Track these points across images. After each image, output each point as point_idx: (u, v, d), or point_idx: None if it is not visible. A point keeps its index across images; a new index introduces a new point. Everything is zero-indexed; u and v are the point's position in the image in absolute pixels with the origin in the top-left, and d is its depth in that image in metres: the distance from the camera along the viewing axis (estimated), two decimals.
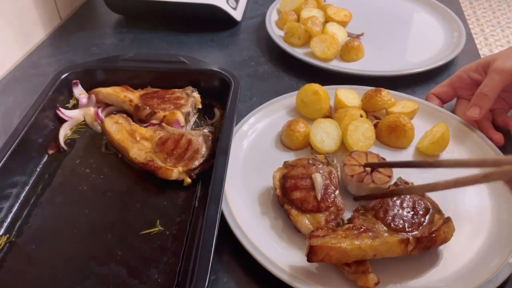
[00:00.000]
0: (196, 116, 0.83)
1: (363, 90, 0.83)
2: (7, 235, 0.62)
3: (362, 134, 0.74)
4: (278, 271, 0.56)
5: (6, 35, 0.96)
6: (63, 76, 0.81)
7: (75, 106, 0.83)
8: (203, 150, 0.71)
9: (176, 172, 0.67)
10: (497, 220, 0.63)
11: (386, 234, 0.55)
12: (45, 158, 0.74)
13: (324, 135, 0.74)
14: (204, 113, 0.83)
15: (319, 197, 0.61)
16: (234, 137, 0.73)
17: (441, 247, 0.59)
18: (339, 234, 0.55)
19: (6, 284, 0.56)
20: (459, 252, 0.60)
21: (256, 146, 0.77)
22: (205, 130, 0.75)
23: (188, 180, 0.68)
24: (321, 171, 0.65)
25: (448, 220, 0.58)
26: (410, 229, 0.57)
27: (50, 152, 0.75)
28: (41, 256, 0.59)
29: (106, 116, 0.81)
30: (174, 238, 0.61)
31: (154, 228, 0.63)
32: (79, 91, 0.83)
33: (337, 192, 0.63)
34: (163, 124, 0.76)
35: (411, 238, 0.55)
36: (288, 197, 0.63)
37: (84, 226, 0.63)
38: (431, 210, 0.60)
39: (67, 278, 0.57)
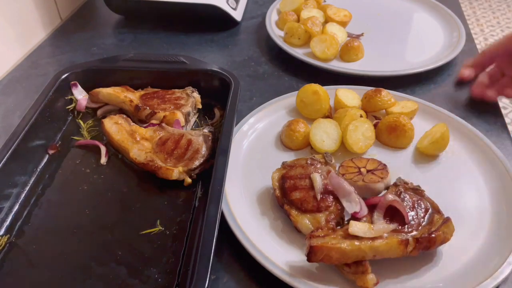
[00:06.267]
0: (196, 116, 0.83)
1: (363, 90, 0.83)
2: (7, 235, 0.62)
3: (362, 134, 0.74)
4: (278, 271, 0.56)
5: (6, 35, 0.96)
6: (63, 76, 0.81)
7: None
8: (203, 150, 0.71)
9: (176, 172, 0.67)
10: (497, 220, 0.63)
11: (385, 235, 0.55)
12: (45, 158, 0.74)
13: (324, 135, 0.74)
14: (204, 113, 0.83)
15: (318, 197, 0.62)
16: (234, 137, 0.73)
17: (441, 247, 0.59)
18: (339, 234, 0.55)
19: (6, 284, 0.56)
20: (459, 252, 0.60)
21: (256, 146, 0.77)
22: (205, 130, 0.75)
23: (188, 180, 0.68)
24: (319, 171, 0.65)
25: (447, 220, 0.58)
26: (409, 230, 0.57)
27: (50, 152, 0.75)
28: (41, 256, 0.60)
29: (104, 116, 0.81)
30: (174, 238, 0.61)
31: (154, 228, 0.63)
32: (78, 92, 0.83)
33: None
34: (163, 124, 0.76)
35: (410, 238, 0.55)
36: (288, 198, 0.63)
37: (84, 226, 0.63)
38: (430, 210, 0.60)
39: (67, 278, 0.57)
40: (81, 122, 0.81)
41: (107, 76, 0.85)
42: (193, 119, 0.82)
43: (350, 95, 0.82)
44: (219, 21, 1.12)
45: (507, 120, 2.43)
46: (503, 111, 2.65)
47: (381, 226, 0.56)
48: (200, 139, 0.72)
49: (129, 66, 0.85)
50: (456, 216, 0.60)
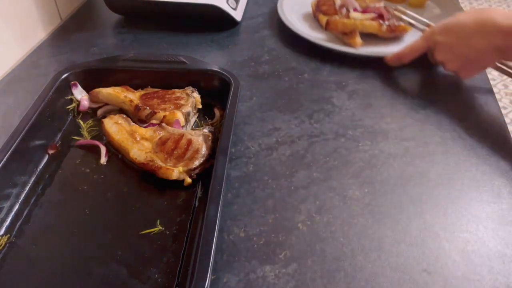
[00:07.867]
0: (196, 116, 0.83)
1: None
2: (8, 235, 0.62)
3: None
4: (311, 37, 0.97)
5: (6, 35, 0.96)
6: (63, 76, 0.81)
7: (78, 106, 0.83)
8: (203, 150, 0.71)
9: (176, 172, 0.67)
10: None
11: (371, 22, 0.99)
12: (45, 158, 0.74)
13: None
14: (204, 113, 0.83)
15: (337, 6, 1.04)
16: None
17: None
18: (344, 15, 1.02)
19: (6, 284, 0.56)
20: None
21: None
22: (205, 130, 0.75)
23: (189, 180, 0.68)
24: None
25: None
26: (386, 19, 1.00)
27: (50, 152, 0.75)
28: (41, 256, 0.60)
29: (104, 116, 0.81)
30: (174, 238, 0.61)
31: (154, 228, 0.63)
32: (78, 92, 0.83)
33: None
34: (163, 124, 0.76)
35: (384, 24, 0.98)
36: (319, 9, 1.05)
37: (84, 226, 0.63)
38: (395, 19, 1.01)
39: (67, 278, 0.57)
40: (81, 122, 0.81)
41: (107, 76, 0.85)
42: (193, 119, 0.82)
43: None
44: (219, 21, 1.12)
45: (507, 120, 2.42)
46: (503, 111, 2.65)
47: (369, 15, 1.00)
48: (200, 139, 0.72)
49: (129, 66, 0.85)
50: None
